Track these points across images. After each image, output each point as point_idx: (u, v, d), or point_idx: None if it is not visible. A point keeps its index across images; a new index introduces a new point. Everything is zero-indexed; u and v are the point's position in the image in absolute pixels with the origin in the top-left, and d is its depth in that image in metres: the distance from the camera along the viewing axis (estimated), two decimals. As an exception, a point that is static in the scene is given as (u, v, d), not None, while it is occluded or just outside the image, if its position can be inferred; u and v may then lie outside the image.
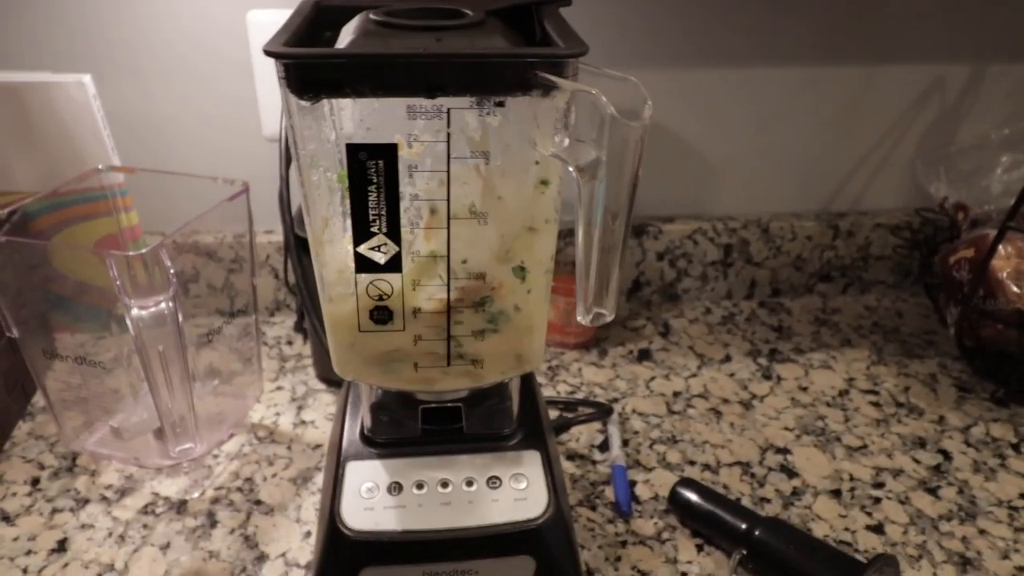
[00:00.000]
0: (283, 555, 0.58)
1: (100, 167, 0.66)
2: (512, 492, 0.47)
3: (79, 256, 0.65)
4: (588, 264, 0.39)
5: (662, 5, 0.78)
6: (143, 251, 0.52)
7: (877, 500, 0.64)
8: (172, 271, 0.53)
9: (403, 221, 0.40)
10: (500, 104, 0.38)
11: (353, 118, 0.37)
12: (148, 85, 0.77)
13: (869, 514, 0.63)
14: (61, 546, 0.59)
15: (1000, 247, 0.69)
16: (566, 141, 0.39)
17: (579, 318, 0.41)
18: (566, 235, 0.82)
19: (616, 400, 0.76)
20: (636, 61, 0.81)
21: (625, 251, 0.40)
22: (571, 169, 0.38)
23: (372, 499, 0.46)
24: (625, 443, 0.70)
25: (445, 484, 0.47)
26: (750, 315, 0.91)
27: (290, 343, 0.85)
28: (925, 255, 0.84)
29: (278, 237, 0.85)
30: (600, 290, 0.40)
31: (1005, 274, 0.69)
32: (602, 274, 0.40)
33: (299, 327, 0.86)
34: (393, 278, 0.42)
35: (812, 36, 0.81)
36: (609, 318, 0.41)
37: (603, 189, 0.37)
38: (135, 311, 0.53)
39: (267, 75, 0.75)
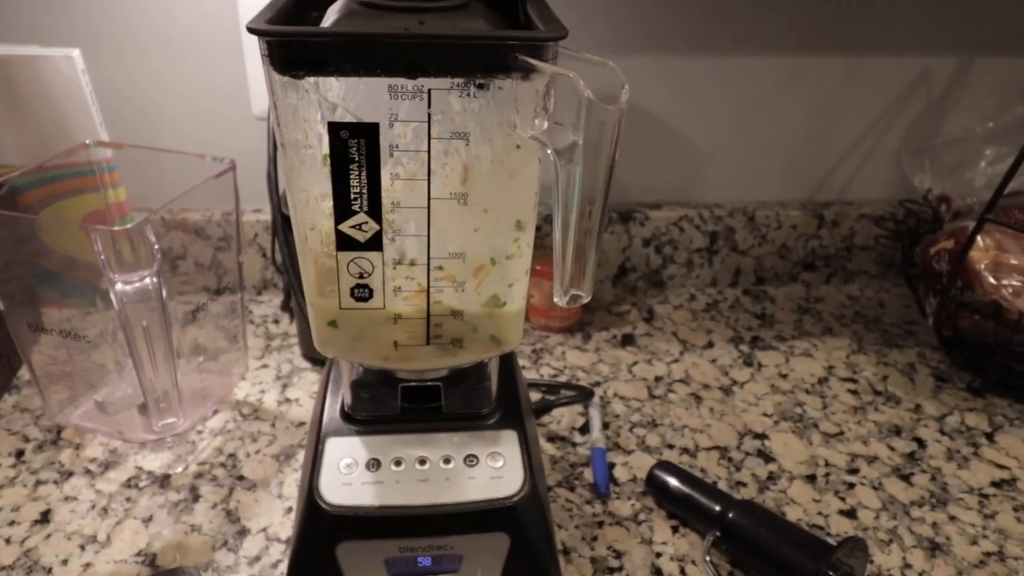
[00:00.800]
0: (264, 530, 0.59)
1: (88, 142, 0.66)
2: (488, 470, 0.47)
3: (66, 230, 0.65)
4: (565, 246, 0.40)
5: (651, -8, 0.78)
6: (128, 226, 0.53)
7: (851, 486, 0.65)
8: (156, 247, 0.53)
9: (384, 200, 0.41)
10: (481, 86, 0.38)
11: (335, 97, 0.38)
12: (138, 61, 0.77)
13: (843, 499, 0.64)
14: (44, 517, 0.59)
15: (979, 239, 0.70)
16: (545, 124, 0.40)
17: (555, 299, 0.42)
18: (549, 218, 0.82)
19: (598, 384, 0.77)
20: (623, 48, 0.81)
21: (602, 233, 0.40)
22: (549, 151, 0.38)
23: (351, 475, 0.47)
24: (606, 426, 0.71)
25: (423, 461, 0.48)
26: (734, 302, 0.92)
27: (276, 322, 0.85)
28: (907, 246, 0.85)
29: (266, 216, 0.85)
30: (577, 272, 0.41)
31: (983, 265, 0.70)
32: (579, 256, 0.40)
33: (285, 306, 0.86)
34: (374, 256, 0.43)
35: (799, 26, 0.82)
36: (585, 299, 0.42)
37: (580, 172, 0.38)
38: (119, 286, 0.53)
39: (257, 54, 0.75)
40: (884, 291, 0.95)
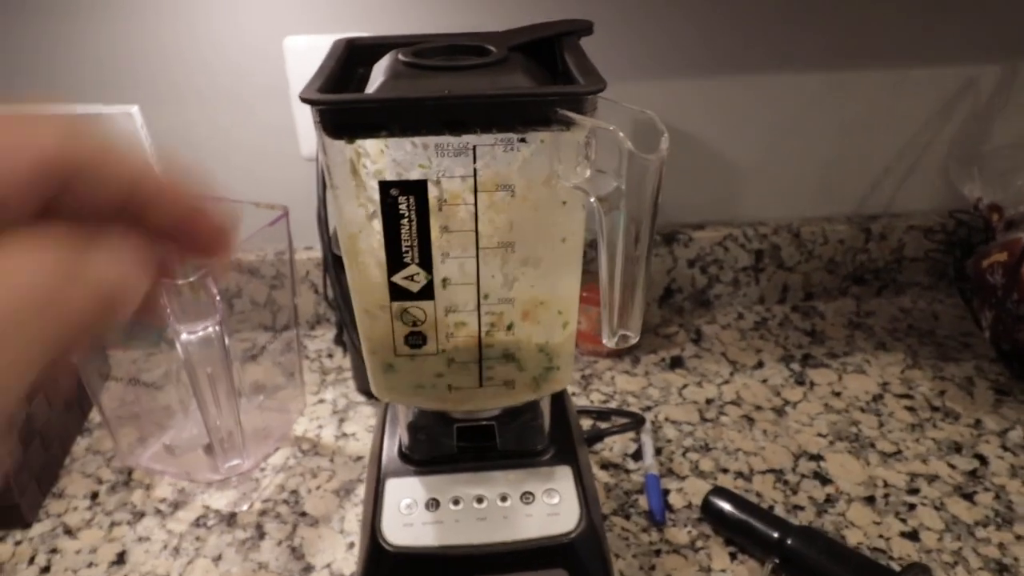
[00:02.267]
0: (328, 566, 0.60)
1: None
2: (545, 507, 0.48)
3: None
4: (612, 290, 0.41)
5: (681, 16, 0.79)
6: (191, 279, 0.55)
7: (912, 507, 0.64)
8: (218, 298, 0.56)
9: (434, 252, 0.42)
10: (523, 140, 0.39)
11: (385, 156, 0.39)
12: (190, 112, 0.80)
13: (903, 521, 0.63)
14: (120, 558, 0.62)
15: (1034, 250, 0.69)
16: (588, 172, 0.41)
17: (604, 341, 0.43)
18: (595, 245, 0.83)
19: (649, 408, 0.77)
20: (659, 72, 0.82)
21: (648, 276, 0.41)
22: (592, 200, 0.39)
23: (411, 515, 0.48)
24: (658, 451, 0.71)
25: (480, 500, 0.49)
26: (783, 320, 0.91)
27: (331, 356, 0.87)
28: (960, 257, 0.84)
29: (317, 253, 0.87)
30: (624, 313, 0.42)
31: (1039, 278, 0.68)
32: (625, 299, 0.41)
33: (339, 340, 0.89)
34: (426, 305, 0.44)
35: (836, 42, 0.81)
36: (634, 340, 0.43)
37: (623, 218, 0.38)
38: (184, 336, 0.55)
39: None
40: (937, 302, 0.94)
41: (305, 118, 0.79)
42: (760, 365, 0.83)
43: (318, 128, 0.39)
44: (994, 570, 0.58)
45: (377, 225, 0.41)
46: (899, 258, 0.92)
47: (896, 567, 0.59)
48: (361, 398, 0.80)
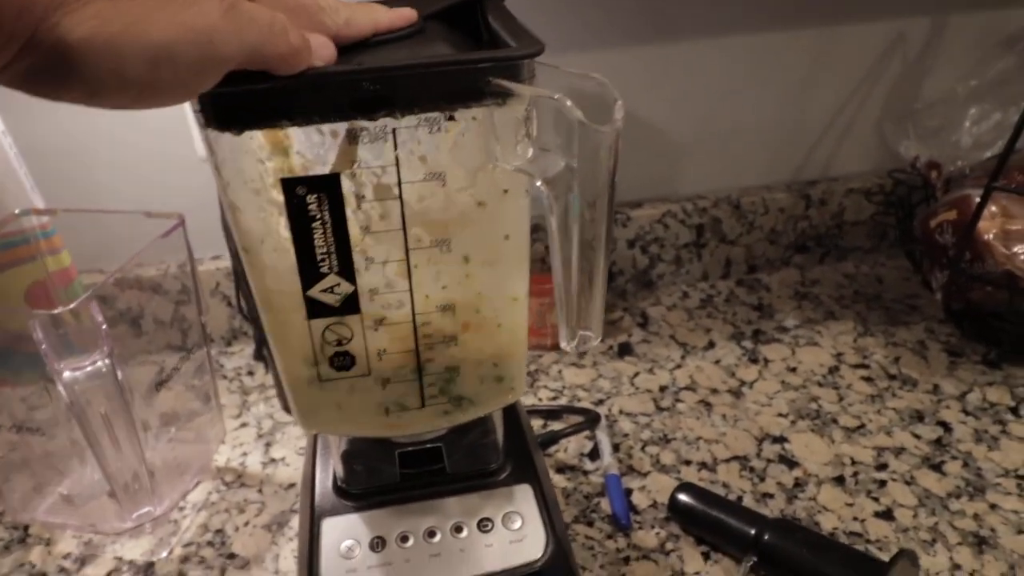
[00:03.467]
0: (264, 614, 0.54)
1: (17, 211, 0.60)
2: (506, 534, 0.43)
3: (5, 306, 0.59)
4: (568, 285, 0.35)
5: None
6: (71, 306, 0.47)
7: (882, 483, 0.61)
8: (104, 327, 0.48)
9: (356, 257, 0.36)
10: (451, 118, 0.33)
11: (285, 148, 0.33)
12: (61, 116, 0.71)
13: (876, 500, 0.60)
14: (19, 631, 0.53)
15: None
16: (529, 151, 0.35)
17: (563, 344, 0.37)
18: (537, 230, 0.78)
19: (601, 402, 0.72)
20: (589, 41, 0.76)
21: (607, 267, 0.36)
22: (538, 183, 0.33)
23: (353, 559, 0.42)
24: (616, 448, 0.66)
25: (432, 533, 0.43)
26: (728, 295, 0.88)
27: (251, 373, 0.79)
28: (902, 218, 0.82)
29: (226, 262, 0.79)
30: (583, 311, 0.36)
31: (991, 235, 0.66)
32: (583, 294, 0.36)
33: (259, 355, 0.81)
34: (351, 320, 0.38)
35: (764, 2, 0.78)
36: (596, 341, 0.37)
37: (576, 201, 0.33)
38: (67, 374, 0.47)
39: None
40: (880, 265, 0.92)
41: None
42: (711, 345, 0.79)
43: (199, 119, 0.32)
44: (973, 543, 0.56)
45: (284, 231, 0.35)
46: (840, 223, 0.90)
47: (875, 551, 0.55)
48: (288, 418, 0.73)
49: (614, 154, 0.32)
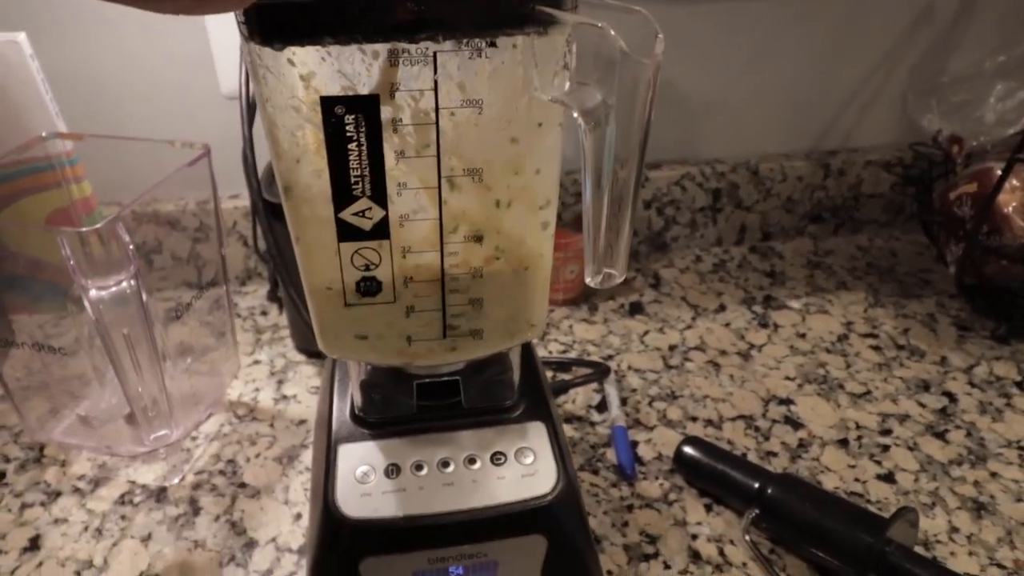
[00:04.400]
0: (273, 540, 0.55)
1: (44, 134, 0.61)
2: (519, 468, 0.44)
3: (29, 232, 0.60)
4: (598, 220, 0.35)
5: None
6: (98, 226, 0.48)
7: (885, 448, 0.62)
8: (131, 246, 0.48)
9: (389, 182, 0.36)
10: (492, 44, 0.33)
11: (326, 66, 0.33)
12: (90, 41, 0.71)
13: (878, 463, 0.61)
14: (34, 544, 0.55)
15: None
16: (567, 84, 0.35)
17: (588, 280, 0.37)
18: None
19: (611, 357, 0.73)
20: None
21: (636, 204, 0.36)
22: (575, 115, 0.33)
23: (368, 484, 0.43)
24: (623, 402, 0.67)
25: (446, 463, 0.44)
26: (741, 261, 0.88)
27: (264, 314, 0.80)
28: (920, 191, 0.82)
29: (245, 201, 0.80)
30: (609, 248, 0.36)
31: (1011, 208, 0.66)
32: (611, 230, 0.36)
33: (273, 296, 0.82)
34: (380, 245, 0.38)
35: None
36: (619, 279, 0.38)
37: (613, 135, 0.33)
38: (93, 292, 0.48)
39: (222, 26, 0.69)
40: (894, 239, 0.92)
41: (224, 49, 0.70)
42: (722, 308, 0.80)
43: (242, 32, 0.32)
44: (972, 508, 0.57)
45: (320, 152, 0.35)
46: (857, 195, 0.90)
47: (876, 511, 0.56)
48: (301, 357, 0.74)
49: (653, 88, 0.32)
